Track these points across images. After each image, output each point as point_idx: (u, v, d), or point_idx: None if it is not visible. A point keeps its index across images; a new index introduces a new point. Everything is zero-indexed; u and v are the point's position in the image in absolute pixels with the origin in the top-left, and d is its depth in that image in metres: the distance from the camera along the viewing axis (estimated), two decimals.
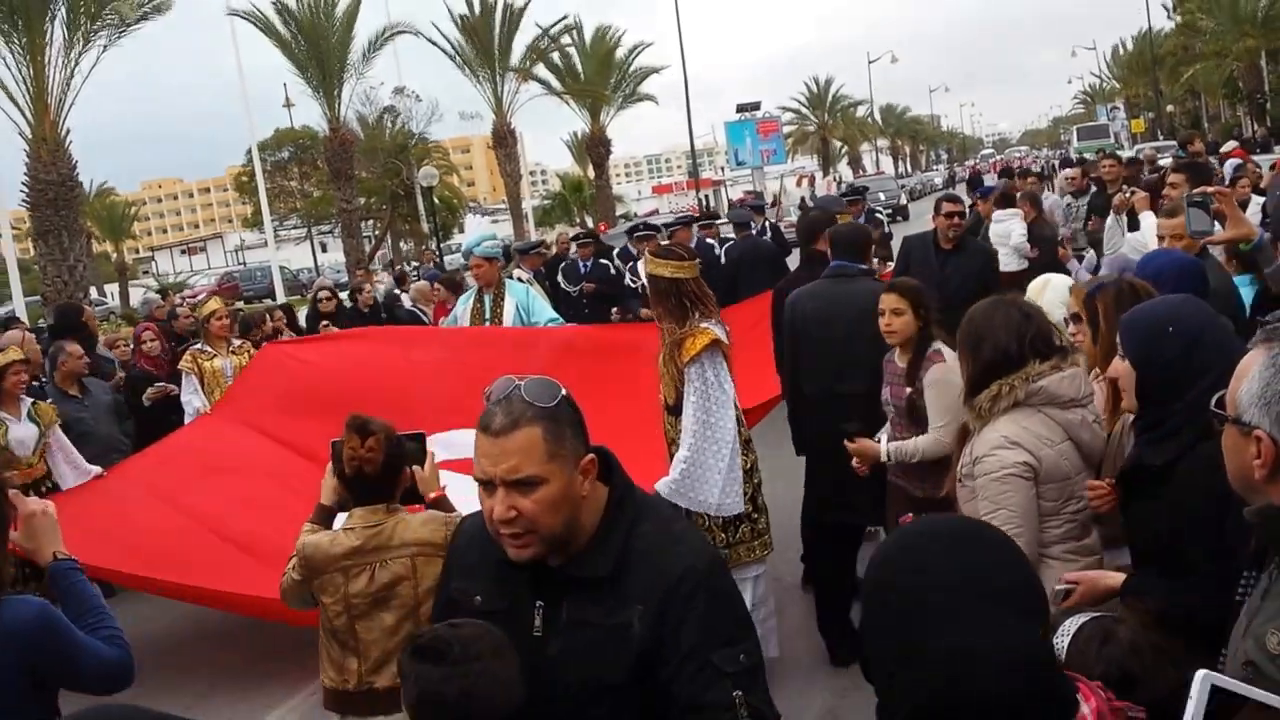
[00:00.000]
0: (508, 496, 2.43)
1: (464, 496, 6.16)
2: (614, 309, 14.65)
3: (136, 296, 46.61)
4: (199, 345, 10.10)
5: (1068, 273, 8.55)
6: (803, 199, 42.14)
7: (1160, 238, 6.00)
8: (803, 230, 8.07)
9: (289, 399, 8.63)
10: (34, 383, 9.55)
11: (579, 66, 52.97)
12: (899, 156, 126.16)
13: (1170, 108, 74.44)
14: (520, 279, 11.22)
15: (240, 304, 34.69)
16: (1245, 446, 2.20)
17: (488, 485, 2.47)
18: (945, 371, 5.46)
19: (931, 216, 9.37)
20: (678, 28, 48.22)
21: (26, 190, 26.94)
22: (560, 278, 15.77)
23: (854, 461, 5.91)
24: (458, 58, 47.39)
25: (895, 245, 11.75)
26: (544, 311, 9.66)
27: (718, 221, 19.02)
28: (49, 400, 9.07)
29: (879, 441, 5.90)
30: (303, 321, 15.13)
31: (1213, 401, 2.31)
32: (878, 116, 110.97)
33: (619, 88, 55.12)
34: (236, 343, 10.29)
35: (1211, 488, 2.69)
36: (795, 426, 7.09)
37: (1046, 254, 10.49)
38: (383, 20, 43.51)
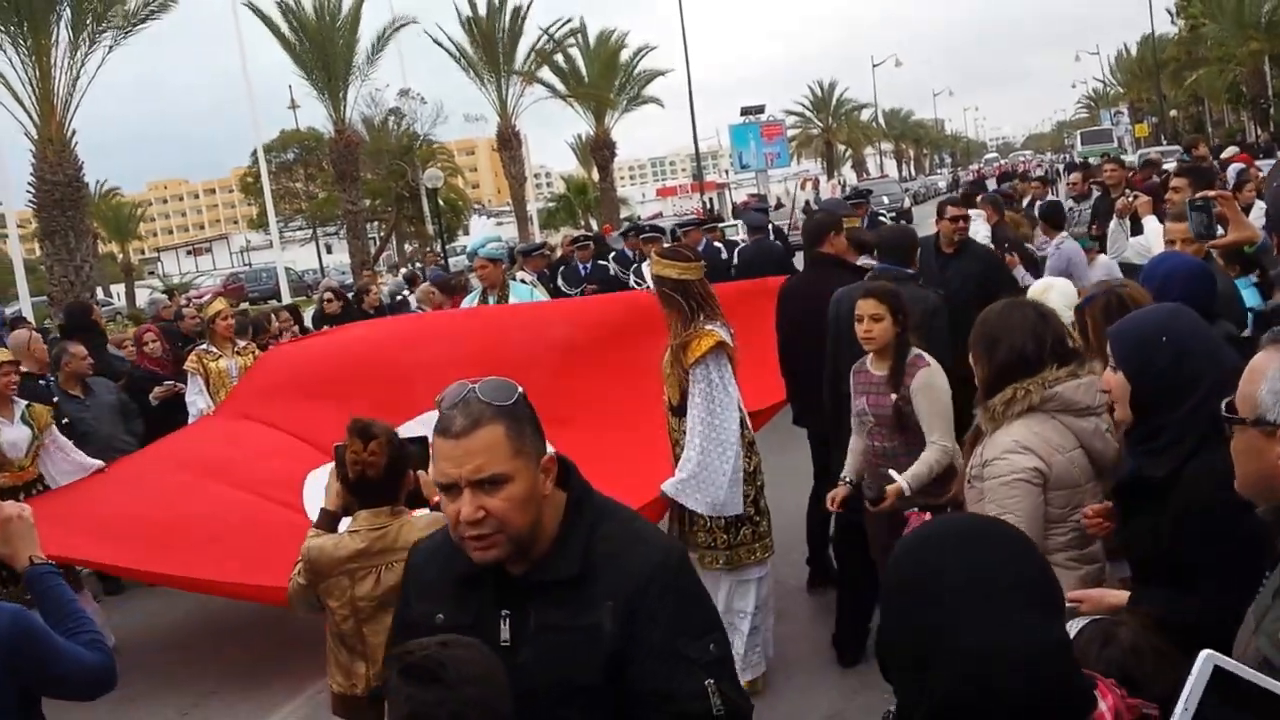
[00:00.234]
0: (475, 497, 2.41)
1: None
2: None
3: (142, 297, 46.57)
4: (204, 346, 10.13)
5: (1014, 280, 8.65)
6: (807, 202, 42.11)
7: (1170, 241, 5.99)
8: (808, 233, 8.06)
9: (293, 389, 8.70)
10: (39, 382, 9.59)
11: (583, 70, 52.98)
12: (903, 160, 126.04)
13: (1174, 112, 74.39)
14: (524, 281, 11.24)
15: (245, 305, 34.76)
16: (1269, 447, 2.19)
17: (451, 489, 2.45)
18: (931, 376, 5.50)
19: (935, 220, 9.39)
20: (682, 31, 48.23)
21: (33, 191, 26.96)
22: (560, 281, 15.80)
23: (884, 504, 5.45)
24: (462, 60, 47.43)
25: None
26: None
27: (722, 224, 19.15)
28: (55, 400, 9.10)
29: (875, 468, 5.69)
30: (308, 322, 15.18)
31: (1223, 406, 2.30)
32: (881, 120, 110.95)
33: (623, 91, 55.12)
34: (241, 344, 10.34)
35: (1216, 495, 2.67)
36: (810, 421, 7.10)
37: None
38: (387, 21, 43.52)
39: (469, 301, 10.06)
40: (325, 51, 41.23)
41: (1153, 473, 3.20)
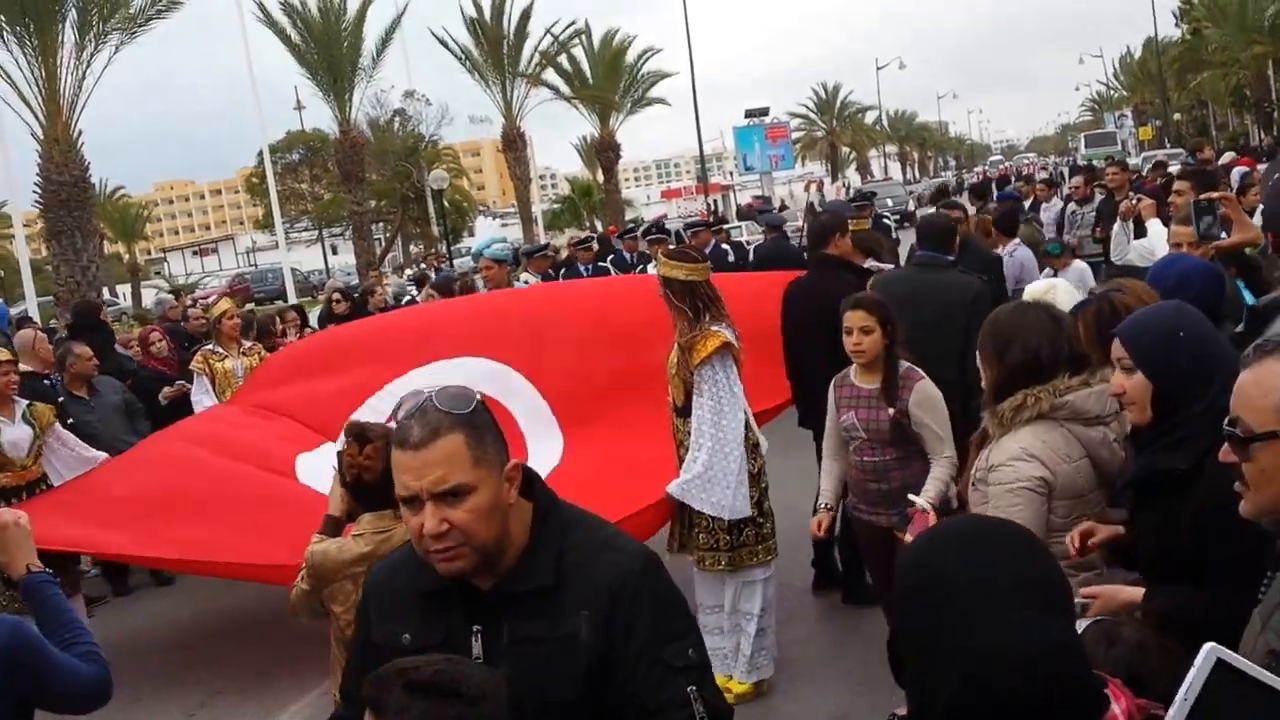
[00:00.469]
0: (437, 509, 2.34)
1: None
2: None
3: (148, 297, 46.69)
4: (210, 346, 10.16)
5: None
6: (811, 204, 42.12)
7: (1175, 244, 5.99)
8: (813, 234, 8.07)
9: (294, 377, 8.80)
10: (44, 381, 9.63)
11: (588, 71, 53.00)
12: (907, 163, 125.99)
13: (1177, 116, 74.33)
14: (528, 281, 11.29)
15: (251, 305, 34.79)
16: None
17: (413, 502, 2.37)
18: (929, 388, 5.43)
19: None
20: (686, 33, 48.26)
21: (39, 191, 26.99)
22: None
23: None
24: (467, 62, 47.46)
25: (904, 250, 11.79)
26: None
27: (727, 226, 19.42)
28: (60, 399, 9.13)
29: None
30: (314, 323, 15.20)
31: (1225, 423, 2.29)
32: (885, 123, 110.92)
33: (628, 93, 55.13)
34: (248, 344, 10.35)
35: (1236, 491, 2.64)
36: (815, 423, 7.19)
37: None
38: (390, 16, 43.56)
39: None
40: (330, 53, 41.27)
41: (1174, 465, 3.14)
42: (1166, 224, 7.50)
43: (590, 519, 2.62)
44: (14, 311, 25.22)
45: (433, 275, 22.07)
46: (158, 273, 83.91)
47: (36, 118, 26.83)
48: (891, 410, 5.44)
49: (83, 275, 26.36)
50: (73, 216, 26.64)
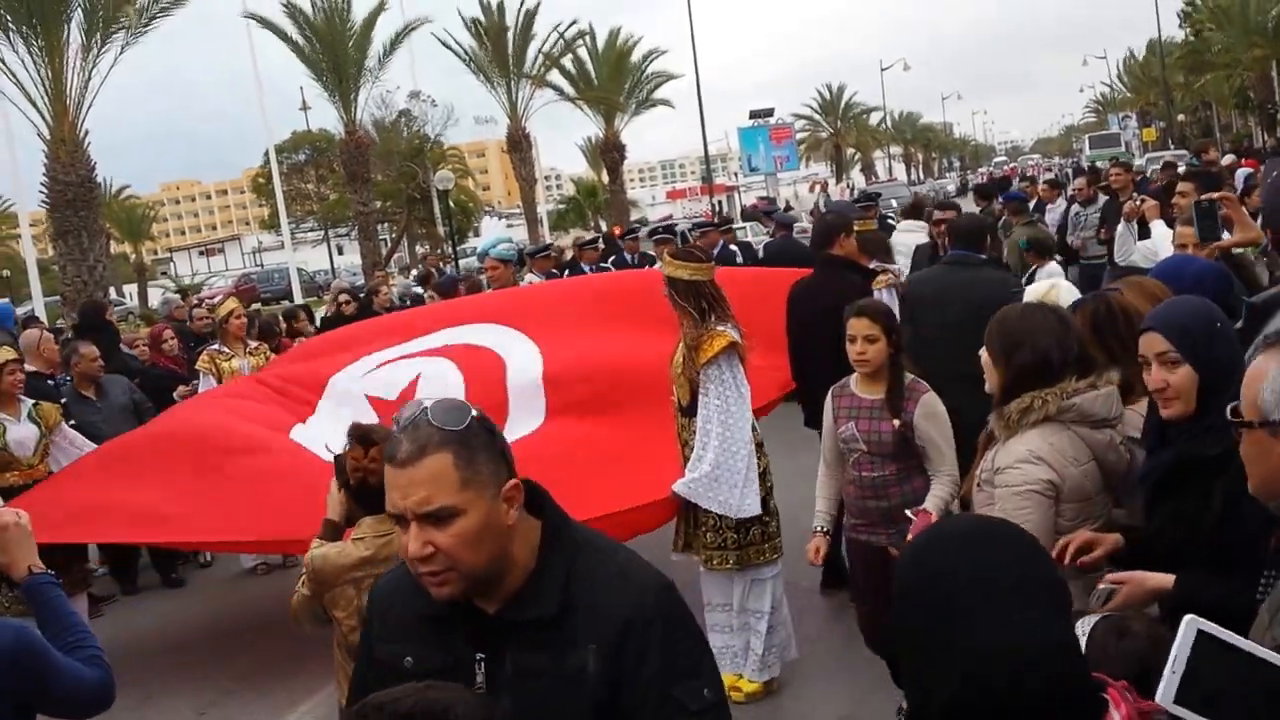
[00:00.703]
0: (421, 531, 2.20)
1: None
2: None
3: (155, 297, 46.77)
4: (216, 346, 10.19)
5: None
6: (816, 204, 42.13)
7: (1181, 245, 6.02)
8: (817, 234, 8.08)
9: (295, 362, 8.98)
10: (48, 381, 9.65)
11: (593, 73, 53.00)
12: (911, 164, 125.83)
13: (1181, 117, 74.22)
14: (532, 283, 11.32)
15: (257, 305, 34.84)
16: (1274, 446, 2.24)
17: (401, 520, 2.24)
18: (935, 402, 5.27)
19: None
20: (690, 34, 48.24)
21: (45, 191, 27.04)
22: None
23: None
24: (472, 64, 47.48)
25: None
26: None
27: (735, 226, 19.76)
28: (63, 400, 9.15)
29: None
30: (319, 323, 15.25)
31: (1228, 411, 2.33)
32: (890, 124, 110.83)
33: (633, 94, 55.13)
34: (254, 344, 10.39)
35: None
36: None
37: None
38: (398, 24, 43.63)
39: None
40: (335, 54, 41.29)
41: (1208, 451, 3.11)
42: (1170, 225, 7.52)
43: (603, 541, 2.45)
44: (21, 311, 25.30)
45: (435, 275, 22.15)
46: (164, 273, 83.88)
47: (43, 118, 26.87)
48: (896, 422, 5.25)
49: (89, 275, 26.39)
50: (79, 216, 26.67)
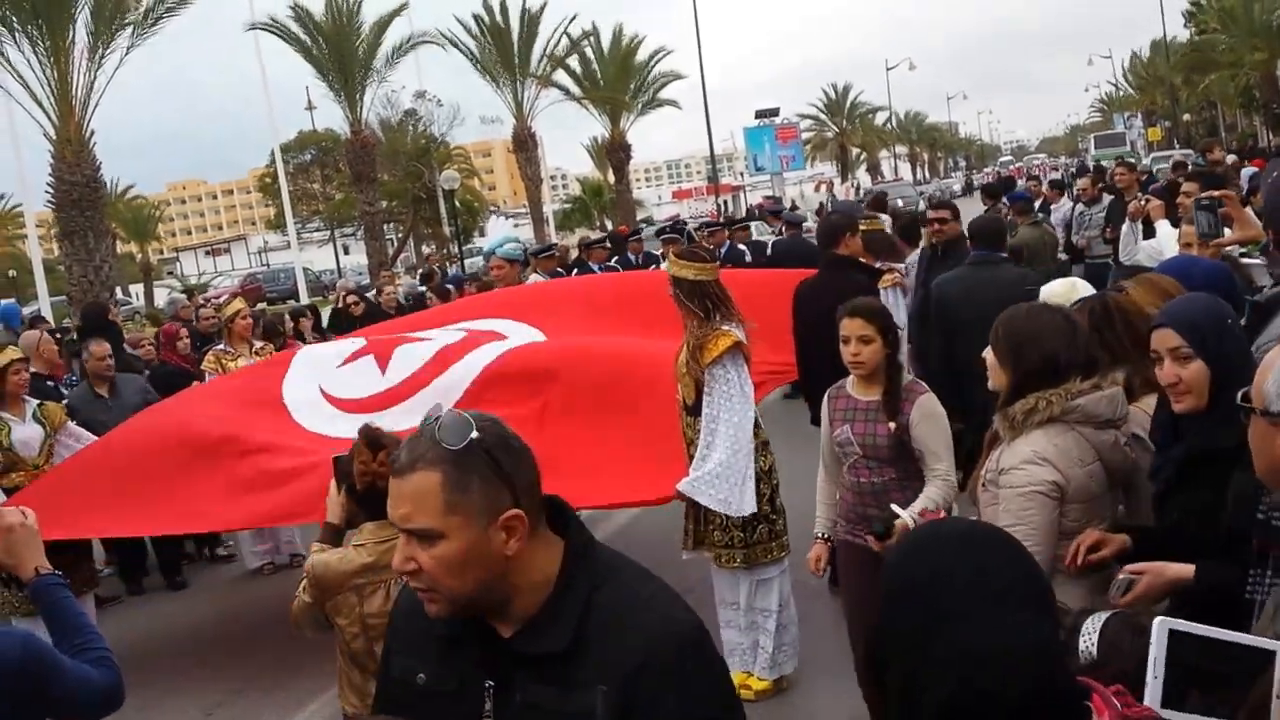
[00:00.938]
0: (406, 545, 2.12)
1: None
2: None
3: (161, 297, 46.85)
4: (222, 346, 10.21)
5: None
6: (821, 204, 42.19)
7: (1186, 244, 6.02)
8: (823, 234, 8.09)
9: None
10: (47, 382, 9.66)
11: (598, 72, 53.02)
12: (917, 163, 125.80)
13: (1187, 116, 74.12)
14: (537, 282, 11.34)
15: (263, 305, 34.87)
16: (1274, 435, 2.30)
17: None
18: (934, 403, 5.09)
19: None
20: (696, 34, 48.23)
21: (51, 191, 27.09)
22: None
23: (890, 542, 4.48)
24: (478, 64, 47.50)
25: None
26: None
27: (750, 222, 20.08)
28: (63, 402, 9.15)
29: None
30: (325, 324, 15.26)
31: (1239, 396, 2.38)
32: (895, 124, 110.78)
33: (639, 94, 55.14)
34: (259, 344, 10.41)
35: None
36: None
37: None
38: (404, 25, 43.66)
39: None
40: (341, 54, 41.34)
41: (1227, 442, 3.07)
42: (1175, 225, 7.52)
43: (633, 570, 2.25)
44: (27, 311, 25.35)
45: (437, 274, 22.18)
46: (170, 272, 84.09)
47: (49, 118, 26.91)
48: (893, 425, 5.03)
49: (95, 275, 26.43)
50: (85, 216, 26.71)
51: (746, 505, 5.95)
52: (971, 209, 14.61)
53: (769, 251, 16.35)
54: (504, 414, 2.30)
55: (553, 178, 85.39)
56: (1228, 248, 5.47)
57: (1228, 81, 60.99)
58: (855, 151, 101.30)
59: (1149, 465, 3.68)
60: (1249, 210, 5.83)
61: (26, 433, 8.09)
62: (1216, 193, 5.41)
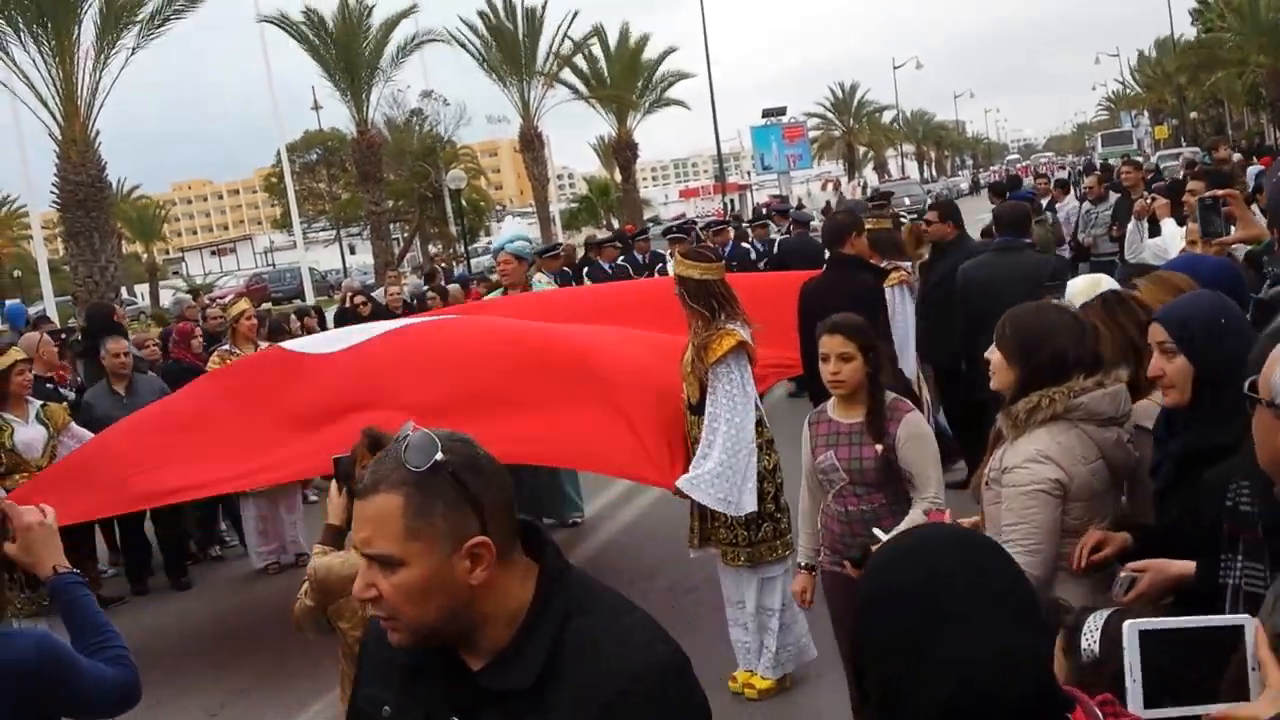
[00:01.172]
0: (368, 570, 2.02)
1: None
2: None
3: (166, 297, 46.90)
4: (227, 345, 10.21)
5: None
6: (828, 203, 42.18)
7: (1191, 242, 6.02)
8: (829, 233, 8.08)
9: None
10: (47, 384, 9.67)
11: (605, 71, 52.99)
12: (924, 162, 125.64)
13: (1194, 114, 73.98)
14: (541, 282, 11.33)
15: (268, 305, 34.91)
16: (1277, 428, 2.30)
17: None
18: (920, 422, 4.92)
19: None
20: (703, 33, 48.26)
21: (56, 191, 27.09)
22: (586, 281, 15.90)
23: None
24: (485, 63, 47.48)
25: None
26: None
27: (760, 220, 20.44)
28: (63, 403, 9.16)
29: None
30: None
31: (1245, 386, 2.38)
32: (902, 122, 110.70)
33: (646, 93, 55.11)
34: (264, 344, 10.41)
35: None
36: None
37: None
38: (410, 24, 43.65)
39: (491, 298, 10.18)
40: (348, 53, 41.34)
41: (1223, 440, 3.12)
42: (1181, 223, 7.50)
43: (611, 600, 2.12)
44: (32, 311, 25.40)
45: (441, 273, 22.21)
46: (176, 272, 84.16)
47: (54, 118, 26.88)
48: (879, 447, 4.79)
49: (101, 275, 26.43)
50: (90, 217, 26.70)
51: (747, 504, 5.95)
52: (978, 207, 14.59)
53: (775, 250, 16.50)
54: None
55: (559, 177, 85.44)
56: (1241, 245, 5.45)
57: (1234, 79, 60.89)
58: (862, 150, 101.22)
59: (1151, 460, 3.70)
60: (1254, 209, 5.81)
61: (29, 434, 8.11)
62: (1220, 191, 5.40)
